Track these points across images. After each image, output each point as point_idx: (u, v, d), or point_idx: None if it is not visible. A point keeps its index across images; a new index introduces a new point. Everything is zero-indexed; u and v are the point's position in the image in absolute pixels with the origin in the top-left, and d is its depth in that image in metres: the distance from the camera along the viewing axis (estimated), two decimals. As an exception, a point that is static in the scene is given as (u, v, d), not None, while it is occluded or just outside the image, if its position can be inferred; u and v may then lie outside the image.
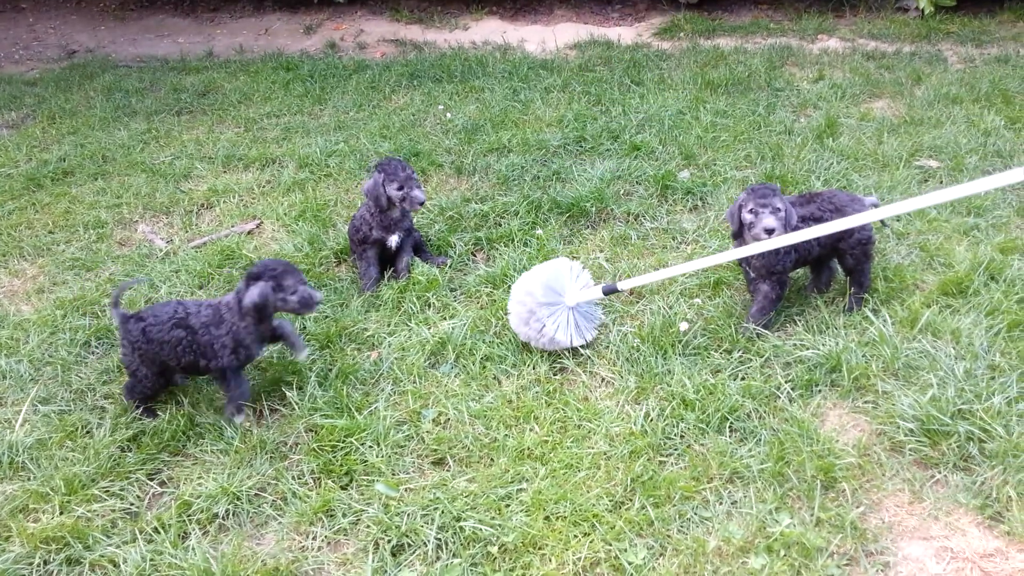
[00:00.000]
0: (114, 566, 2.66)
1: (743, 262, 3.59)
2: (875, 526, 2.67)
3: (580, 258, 4.18)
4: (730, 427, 3.06)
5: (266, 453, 3.09)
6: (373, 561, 2.63)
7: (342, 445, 3.08)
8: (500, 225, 4.50)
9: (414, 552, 2.66)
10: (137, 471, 3.02)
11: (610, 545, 2.62)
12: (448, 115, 6.14)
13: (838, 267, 3.75)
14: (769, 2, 8.82)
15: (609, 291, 3.46)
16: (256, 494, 2.94)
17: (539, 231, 4.40)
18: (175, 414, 3.26)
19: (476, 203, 4.71)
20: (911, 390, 3.13)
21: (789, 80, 6.61)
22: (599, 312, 3.69)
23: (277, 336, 3.33)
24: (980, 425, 2.93)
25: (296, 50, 8.27)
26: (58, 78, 7.82)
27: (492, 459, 3.00)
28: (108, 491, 2.93)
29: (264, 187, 5.21)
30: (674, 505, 2.76)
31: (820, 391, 3.23)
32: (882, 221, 3.81)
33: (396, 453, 3.05)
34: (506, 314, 3.58)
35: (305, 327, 3.75)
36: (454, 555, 2.63)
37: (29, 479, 3.00)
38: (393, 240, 3.99)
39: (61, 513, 2.84)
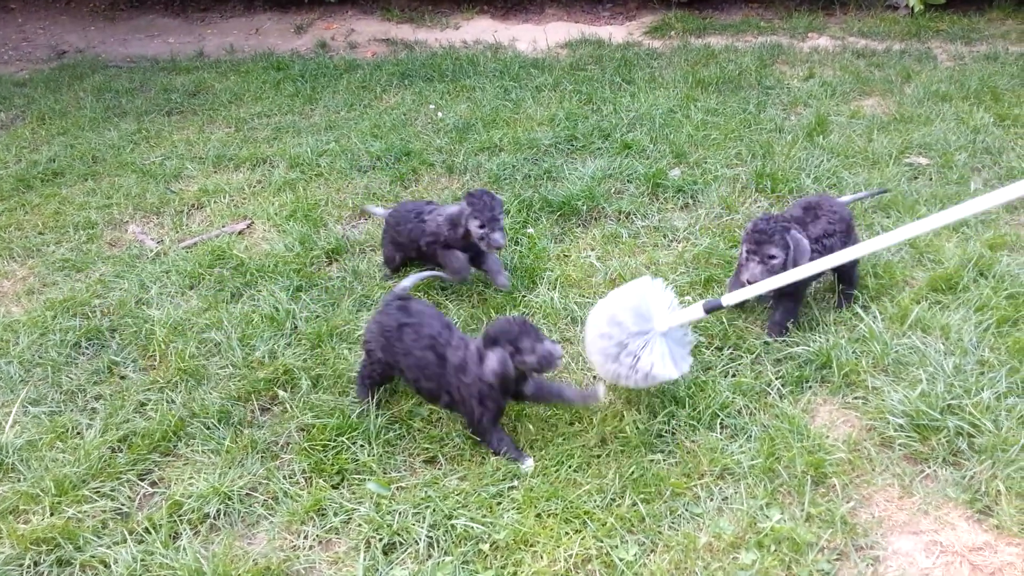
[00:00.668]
0: (105, 567, 2.65)
1: None
2: (865, 521, 2.68)
3: (571, 256, 4.18)
4: (721, 423, 3.07)
5: (257, 453, 3.09)
6: (365, 560, 2.63)
7: (333, 444, 3.07)
8: (491, 224, 4.50)
9: (406, 550, 2.66)
10: (128, 472, 3.01)
11: (601, 542, 2.62)
12: (439, 114, 6.14)
13: None
14: (760, 1, 8.84)
15: (712, 308, 3.08)
16: (247, 494, 2.93)
17: (530, 230, 4.40)
18: (166, 414, 3.25)
19: (467, 202, 4.71)
20: (901, 386, 3.14)
21: (779, 78, 6.63)
22: (690, 335, 3.31)
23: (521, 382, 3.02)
24: (969, 420, 2.95)
25: (287, 50, 8.26)
26: (48, 79, 7.79)
27: (483, 457, 3.00)
28: (99, 492, 2.92)
29: (255, 187, 5.20)
30: (665, 502, 2.77)
31: (810, 387, 3.24)
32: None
33: (387, 452, 3.05)
34: (583, 350, 3.27)
35: (296, 327, 3.75)
36: (446, 553, 2.63)
37: (19, 480, 2.98)
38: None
39: (51, 514, 2.83)
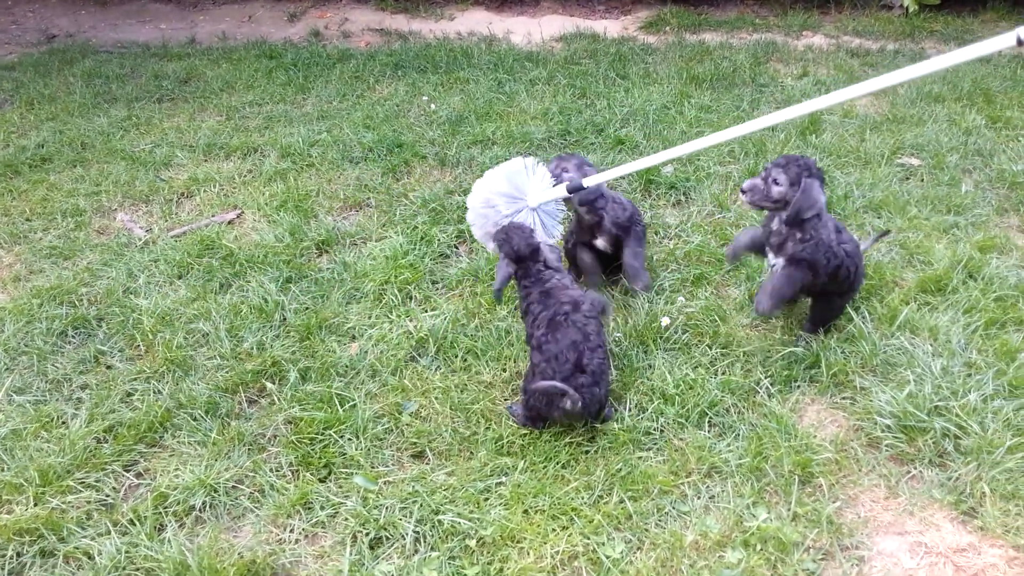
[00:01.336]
0: (88, 558, 2.63)
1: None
2: (851, 521, 2.69)
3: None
4: (709, 422, 3.08)
5: (244, 445, 3.07)
6: (351, 554, 2.62)
7: (321, 438, 3.06)
8: (483, 218, 4.49)
9: (392, 545, 2.65)
10: (113, 462, 2.99)
11: (588, 539, 2.62)
12: (432, 106, 6.12)
13: None
14: (755, -3, 8.85)
15: (574, 189, 3.35)
16: (233, 486, 2.91)
17: (522, 224, 4.39)
18: (152, 405, 3.23)
19: (460, 195, 4.69)
20: (889, 386, 3.15)
21: (773, 76, 6.63)
22: (562, 209, 3.62)
23: None
24: (956, 422, 2.96)
25: (280, 38, 8.21)
26: (37, 63, 7.71)
27: (472, 452, 2.99)
28: (83, 482, 2.91)
29: (245, 176, 5.17)
30: (652, 499, 2.77)
31: (799, 386, 3.24)
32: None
33: (375, 446, 3.04)
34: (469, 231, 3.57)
35: (285, 319, 3.73)
36: (432, 548, 2.63)
37: (3, 470, 2.96)
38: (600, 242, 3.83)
39: (35, 504, 2.81)
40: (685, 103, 5.99)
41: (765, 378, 3.26)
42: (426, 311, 3.74)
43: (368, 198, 4.77)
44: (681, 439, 3.01)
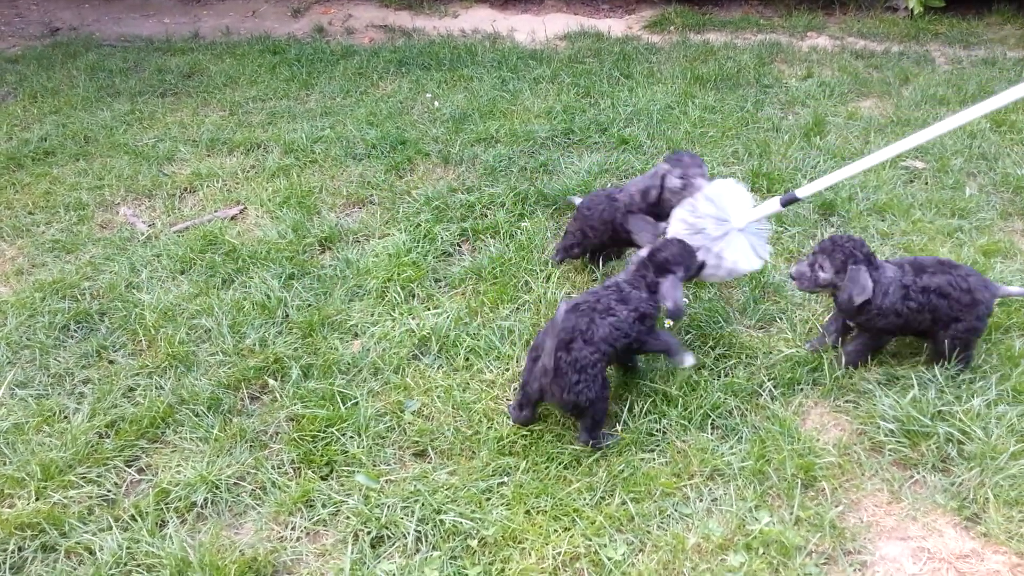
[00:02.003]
0: (90, 554, 2.63)
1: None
2: (853, 525, 2.69)
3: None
4: (712, 424, 3.07)
5: (246, 442, 3.07)
6: (352, 553, 2.62)
7: (323, 435, 3.06)
8: (486, 216, 4.49)
9: (393, 544, 2.65)
10: (115, 458, 2.99)
11: (590, 540, 2.62)
12: (436, 103, 6.10)
13: None
14: (760, -2, 8.83)
15: (788, 201, 3.25)
16: (235, 483, 2.92)
17: (525, 223, 4.38)
18: (154, 400, 3.23)
19: (462, 193, 4.69)
20: (892, 391, 3.15)
21: (778, 77, 6.62)
22: (767, 226, 3.52)
23: None
24: (959, 427, 2.96)
25: (283, 33, 8.18)
26: (40, 56, 7.68)
27: (474, 452, 2.99)
28: (85, 477, 2.91)
29: (248, 172, 5.16)
30: (655, 501, 2.76)
31: (802, 389, 3.24)
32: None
33: (377, 444, 3.04)
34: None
35: (288, 315, 3.73)
36: (434, 548, 2.63)
37: (5, 464, 2.96)
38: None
39: (37, 499, 2.81)
40: (689, 103, 5.98)
41: (768, 381, 3.26)
42: (429, 309, 3.73)
43: (371, 195, 4.76)
44: (684, 441, 3.00)
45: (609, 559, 2.55)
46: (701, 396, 3.15)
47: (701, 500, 2.78)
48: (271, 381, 3.34)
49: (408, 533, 2.65)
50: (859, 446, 2.97)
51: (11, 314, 3.77)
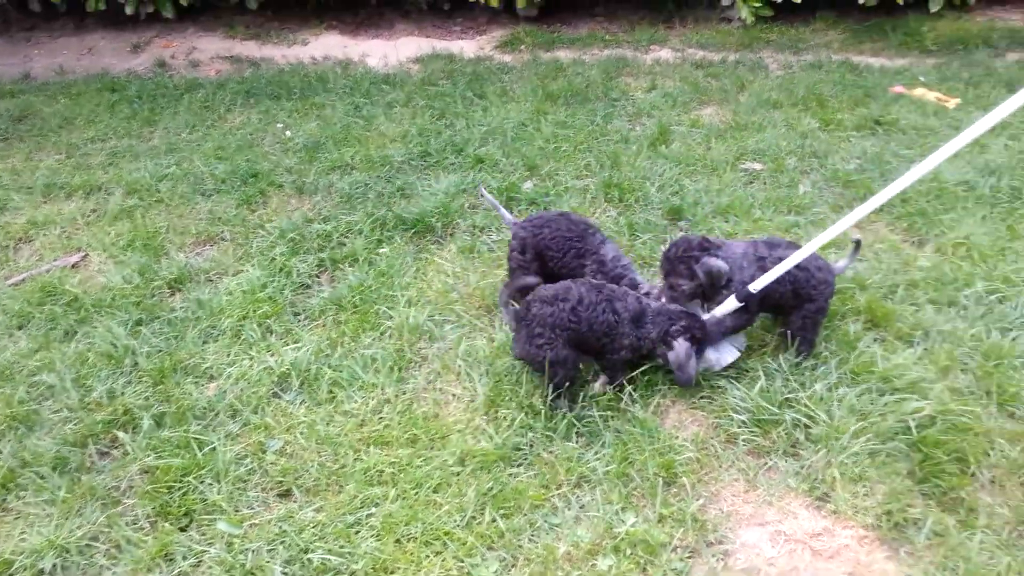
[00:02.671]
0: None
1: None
2: (714, 517, 2.79)
3: (428, 276, 4.15)
4: (576, 432, 3.12)
5: (97, 500, 2.90)
6: (216, 606, 2.50)
7: (179, 485, 2.92)
8: (344, 245, 4.42)
9: (260, 591, 2.56)
10: (-55, 536, 2.75)
11: (462, 562, 2.61)
12: (288, 133, 5.98)
13: None
14: (605, 15, 9.13)
15: (745, 297, 3.28)
16: (87, 544, 2.75)
17: (384, 249, 4.35)
18: (-11, 469, 2.99)
19: (319, 223, 4.60)
20: (742, 383, 3.29)
21: (625, 90, 6.86)
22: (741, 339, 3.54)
23: None
24: (805, 412, 3.13)
25: (122, 70, 7.83)
26: None
27: (341, 486, 2.92)
28: (-90, 562, 2.66)
29: (89, 216, 4.89)
30: (524, 515, 2.78)
31: (660, 390, 3.34)
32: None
33: (239, 488, 2.92)
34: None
35: (137, 363, 3.54)
36: (302, 589, 2.55)
37: None
38: None
39: None
40: (542, 119, 6.11)
41: (628, 384, 3.35)
42: (287, 344, 3.63)
43: (222, 231, 4.60)
44: (550, 452, 3.04)
45: (482, 578, 2.55)
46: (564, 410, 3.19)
47: (569, 508, 2.81)
48: (121, 434, 3.16)
49: (274, 577, 2.56)
50: (715, 439, 3.09)
51: None
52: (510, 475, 2.94)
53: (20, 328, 3.88)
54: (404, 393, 3.37)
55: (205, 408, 3.29)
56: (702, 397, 3.29)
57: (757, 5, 8.36)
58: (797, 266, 3.28)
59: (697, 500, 2.84)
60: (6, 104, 6.99)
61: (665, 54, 8.04)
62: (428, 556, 2.63)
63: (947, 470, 2.89)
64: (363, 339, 3.66)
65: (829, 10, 8.74)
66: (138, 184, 5.16)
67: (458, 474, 2.94)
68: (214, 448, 3.07)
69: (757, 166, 5.31)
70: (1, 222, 4.88)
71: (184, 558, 2.66)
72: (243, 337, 3.69)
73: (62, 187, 5.27)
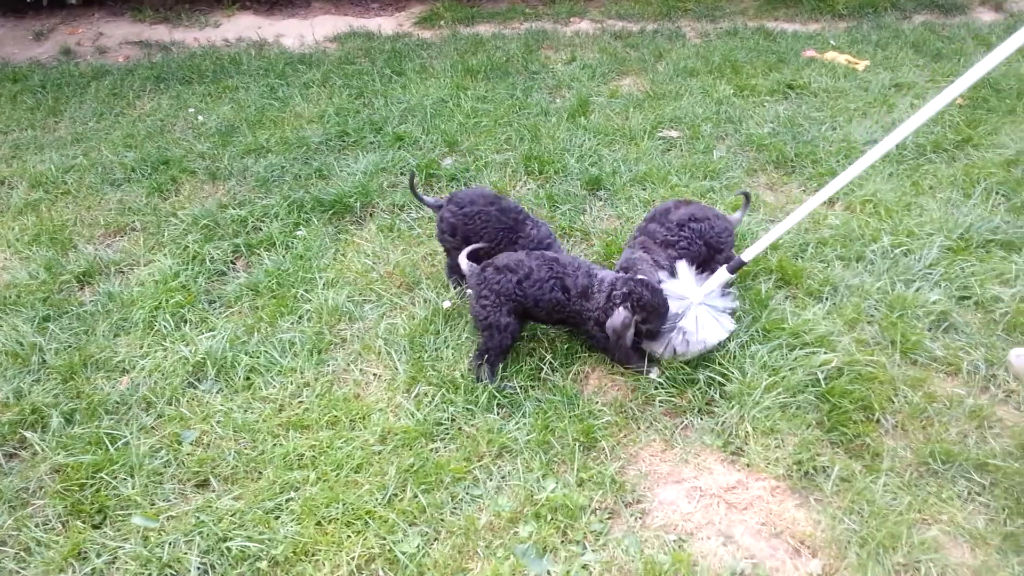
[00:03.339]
0: None
1: None
2: (633, 477, 2.84)
3: (347, 257, 4.10)
4: (497, 404, 3.14)
5: (4, 503, 2.81)
6: (132, 601, 2.46)
7: (92, 482, 2.85)
8: (260, 229, 4.34)
9: (178, 583, 2.52)
10: None
11: (384, 539, 2.61)
12: (200, 118, 5.81)
13: None
14: (524, -12, 9.09)
15: (736, 267, 3.23)
16: (-5, 551, 2.66)
17: (301, 231, 4.28)
18: None
19: (234, 208, 4.50)
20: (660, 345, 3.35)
21: (545, 63, 6.85)
22: (730, 296, 3.42)
23: None
24: (719, 370, 3.21)
25: (24, 59, 7.48)
26: None
27: (260, 472, 2.89)
28: None
29: (-10, 212, 4.70)
30: (446, 488, 2.79)
31: (580, 357, 3.38)
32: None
33: (154, 481, 2.86)
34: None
35: (45, 360, 3.43)
36: (222, 577, 2.52)
37: None
38: None
39: None
40: (462, 95, 6.06)
41: (548, 354, 3.37)
42: (202, 333, 3.56)
43: (133, 221, 4.47)
44: (472, 425, 3.05)
45: (404, 553, 2.55)
46: (485, 380, 3.21)
47: (491, 479, 2.83)
48: (28, 434, 3.06)
49: (192, 567, 2.52)
50: (633, 403, 3.14)
51: None
52: (432, 450, 2.95)
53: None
54: (324, 376, 3.33)
55: (118, 402, 3.20)
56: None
57: (674, -26, 8.42)
58: (697, 218, 3.45)
59: (616, 462, 2.89)
60: (-102, 99, 6.63)
61: (585, 26, 8.05)
62: (349, 536, 2.62)
63: (854, 418, 3.00)
64: (281, 324, 3.61)
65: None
66: (43, 177, 4.96)
67: (379, 453, 2.94)
68: (127, 442, 3.00)
69: (674, 134, 5.38)
70: None
71: (98, 555, 2.60)
72: (156, 328, 3.60)
73: (-39, 184, 5.04)
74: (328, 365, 3.39)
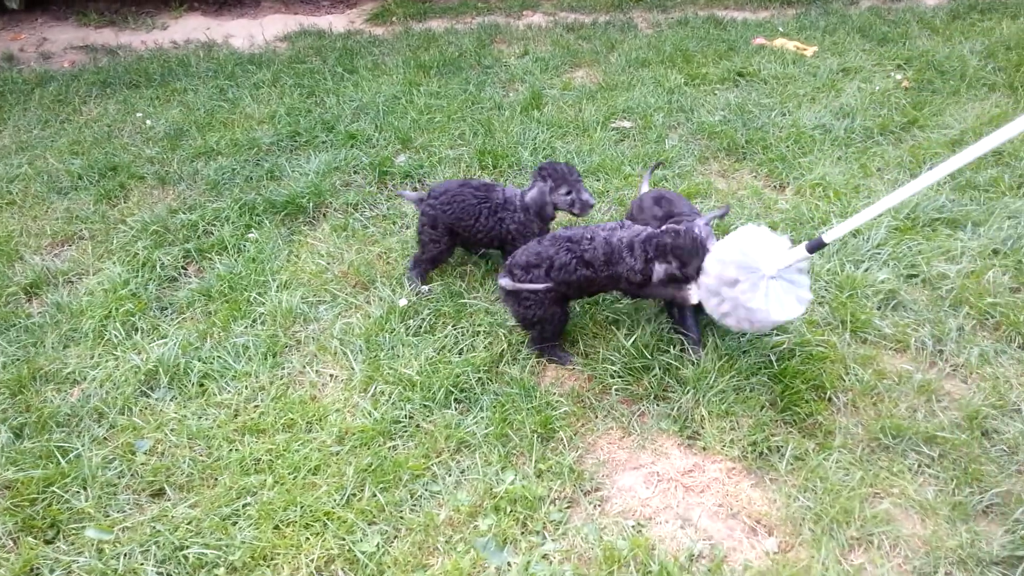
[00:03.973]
0: None
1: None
2: (591, 466, 2.86)
3: (301, 258, 4.07)
4: (455, 400, 3.13)
5: (-48, 525, 2.74)
6: (87, 614, 2.42)
7: (43, 496, 2.79)
8: (211, 233, 4.28)
9: (134, 594, 2.48)
10: None
11: (343, 539, 2.59)
12: (148, 122, 5.71)
13: None
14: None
15: (815, 247, 2.89)
16: (-57, 574, 2.60)
17: (253, 234, 4.23)
18: None
19: (184, 213, 4.43)
20: (621, 331, 3.37)
21: (498, 57, 6.84)
22: (803, 268, 3.04)
23: None
24: (675, 356, 3.23)
25: (-36, 67, 7.31)
26: None
27: (215, 479, 2.85)
28: None
29: (-68, 226, 4.57)
30: (405, 486, 2.79)
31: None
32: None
33: (108, 493, 2.82)
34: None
35: (-9, 375, 3.36)
36: (179, 587, 2.49)
37: None
38: None
39: None
40: (415, 91, 6.04)
41: (507, 347, 3.38)
42: (154, 341, 3.50)
43: (81, 230, 4.38)
44: (430, 421, 3.05)
45: (363, 553, 2.54)
46: (442, 375, 3.20)
47: (450, 475, 2.83)
48: (-24, 451, 3.00)
49: (148, 578, 2.49)
50: (590, 392, 3.16)
51: None
52: (390, 449, 2.94)
53: None
54: (279, 379, 3.30)
55: (68, 414, 3.15)
56: (577, 353, 3.36)
57: (624, -35, 8.44)
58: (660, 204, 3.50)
59: (574, 452, 2.90)
60: None
61: (538, 19, 8.05)
62: (308, 538, 2.60)
63: (806, 398, 3.05)
64: (235, 328, 3.56)
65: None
66: (-14, 187, 4.85)
67: (337, 454, 2.92)
68: (79, 455, 2.94)
69: (627, 124, 5.40)
70: None
71: (51, 571, 2.56)
72: (107, 337, 3.54)
73: (-100, 198, 4.90)
74: (283, 368, 3.36)
